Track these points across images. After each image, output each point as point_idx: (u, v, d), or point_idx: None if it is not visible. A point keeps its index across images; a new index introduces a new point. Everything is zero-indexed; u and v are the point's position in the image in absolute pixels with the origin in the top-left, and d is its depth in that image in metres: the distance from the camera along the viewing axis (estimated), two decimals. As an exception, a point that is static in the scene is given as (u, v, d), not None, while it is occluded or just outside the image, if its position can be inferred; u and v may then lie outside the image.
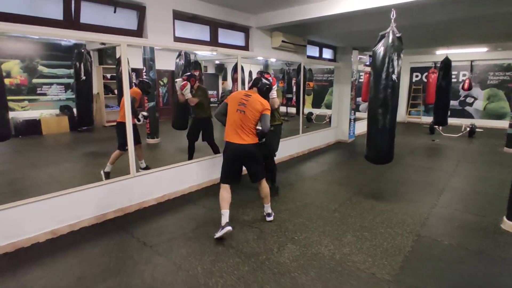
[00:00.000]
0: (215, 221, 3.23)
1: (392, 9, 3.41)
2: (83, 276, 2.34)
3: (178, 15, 3.92)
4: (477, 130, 8.47)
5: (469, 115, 10.32)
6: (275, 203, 3.74)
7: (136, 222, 3.28)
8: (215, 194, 3.97)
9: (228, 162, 3.05)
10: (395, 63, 3.42)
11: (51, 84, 7.86)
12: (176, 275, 2.37)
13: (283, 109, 12.01)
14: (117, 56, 8.11)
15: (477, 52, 9.30)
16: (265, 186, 3.20)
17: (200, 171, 4.27)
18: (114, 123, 8.58)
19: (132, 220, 3.31)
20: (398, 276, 2.36)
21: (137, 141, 4.15)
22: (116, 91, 8.58)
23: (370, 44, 7.09)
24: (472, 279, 2.34)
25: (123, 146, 4.08)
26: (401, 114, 11.36)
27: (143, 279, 2.32)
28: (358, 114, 8.25)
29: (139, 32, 3.55)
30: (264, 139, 3.09)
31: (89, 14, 3.11)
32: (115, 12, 3.26)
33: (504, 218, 3.19)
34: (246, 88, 3.86)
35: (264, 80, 3.16)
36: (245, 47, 4.97)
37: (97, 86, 8.26)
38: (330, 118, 8.77)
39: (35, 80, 7.55)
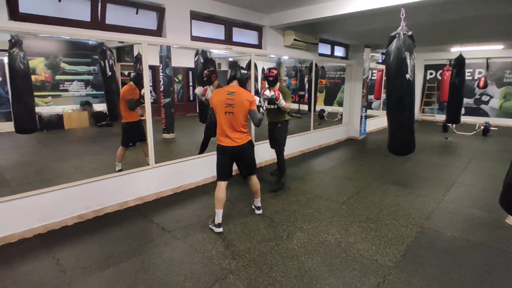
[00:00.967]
0: (228, 210, 3.44)
1: (402, 8, 3.50)
2: (110, 254, 2.59)
3: (195, 15, 4.12)
4: (491, 128, 8.38)
5: (484, 114, 10.17)
6: (285, 195, 3.92)
7: (155, 210, 3.51)
8: (228, 186, 4.19)
9: (222, 162, 3.02)
10: (408, 61, 3.52)
11: (73, 80, 8.24)
12: (193, 256, 2.59)
13: (295, 106, 12.14)
14: (135, 54, 8.45)
15: (493, 50, 9.14)
16: (256, 182, 3.23)
17: (214, 164, 4.47)
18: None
19: (151, 208, 3.55)
20: (399, 263, 2.51)
21: (143, 138, 4.23)
22: (133, 88, 8.92)
23: (382, 41, 7.12)
24: (471, 268, 2.46)
25: (126, 143, 4.41)
26: (415, 112, 11.27)
27: (163, 259, 2.54)
28: (370, 112, 8.30)
29: (158, 31, 3.77)
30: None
31: (114, 15, 3.34)
32: (137, 13, 3.49)
33: (509, 213, 3.26)
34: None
35: (242, 71, 3.02)
36: (258, 45, 5.13)
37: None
38: (341, 115, 8.85)
39: (58, 77, 7.94)
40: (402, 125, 3.88)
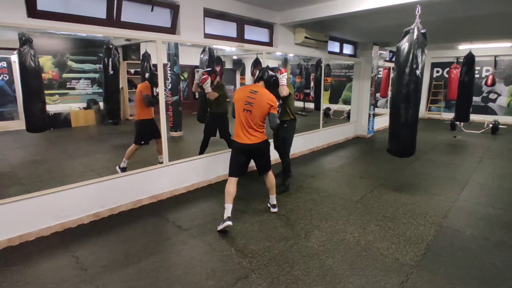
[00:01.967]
0: (243, 209, 3.44)
1: (417, 5, 3.47)
2: (129, 253, 2.58)
3: (208, 13, 4.09)
4: (500, 126, 8.33)
5: (492, 112, 10.11)
6: (299, 194, 3.91)
7: (169, 208, 3.50)
8: (242, 184, 4.17)
9: (237, 158, 3.06)
10: (419, 59, 3.49)
11: (79, 78, 8.23)
12: (212, 254, 2.57)
13: (300, 104, 12.11)
14: (141, 52, 8.43)
15: (501, 47, 9.08)
16: (271, 177, 3.24)
17: (226, 162, 4.46)
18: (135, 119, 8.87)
19: (165, 207, 3.54)
20: (421, 262, 2.49)
21: (158, 135, 4.21)
22: (140, 86, 8.91)
23: (391, 39, 7.13)
24: (493, 267, 2.44)
25: (138, 141, 4.33)
26: (421, 110, 11.22)
27: (182, 257, 2.53)
28: (376, 110, 8.26)
29: (172, 29, 3.75)
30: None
31: (129, 12, 3.32)
32: (152, 10, 3.47)
33: (527, 211, 3.24)
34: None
35: (270, 72, 3.11)
36: (269, 43, 5.11)
37: (121, 81, 8.59)
38: (348, 113, 8.81)
39: (65, 75, 7.93)
40: (406, 124, 3.77)
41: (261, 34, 4.97)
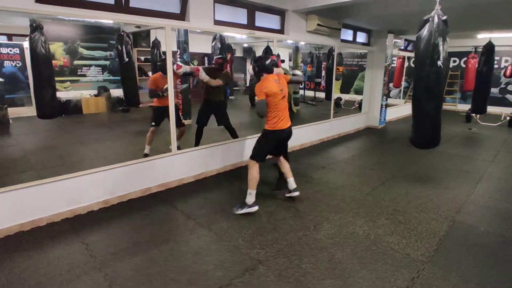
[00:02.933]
0: (252, 198, 3.40)
1: (438, -9, 3.30)
2: (137, 241, 2.59)
3: (218, -1, 3.99)
4: (518, 119, 8.04)
5: (510, 104, 9.76)
6: (309, 185, 3.86)
7: (178, 196, 3.50)
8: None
9: (271, 145, 3.17)
10: (441, 48, 3.34)
11: (90, 65, 8.25)
12: (220, 244, 2.57)
13: (310, 93, 11.93)
14: (151, 39, 8.37)
15: (523, 36, 8.67)
16: (284, 160, 3.39)
17: (234, 151, 4.44)
18: (149, 105, 8.92)
19: (174, 195, 3.54)
20: (432, 258, 2.43)
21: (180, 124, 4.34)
22: (150, 74, 8.89)
23: (407, 27, 6.87)
24: (509, 265, 2.36)
25: (157, 123, 4.46)
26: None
27: (190, 247, 2.53)
28: (389, 100, 8.07)
29: (182, 15, 3.67)
30: None
31: (138, -2, 3.25)
32: (161, -5, 3.39)
33: (546, 208, 3.12)
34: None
35: (270, 58, 3.17)
36: (281, 31, 4.97)
37: (132, 68, 8.58)
38: (359, 103, 8.64)
39: (76, 62, 7.95)
40: (428, 116, 3.71)
41: (272, 21, 4.84)
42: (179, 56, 6.82)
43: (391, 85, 10.47)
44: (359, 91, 11.44)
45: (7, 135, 5.89)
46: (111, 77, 8.55)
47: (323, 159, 4.97)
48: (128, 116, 7.84)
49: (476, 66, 7.06)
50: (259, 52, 11.76)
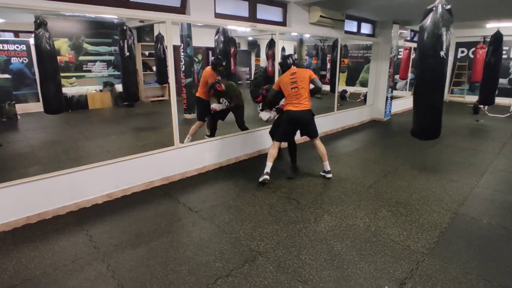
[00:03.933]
0: (253, 192, 3.44)
1: (443, -21, 3.23)
2: (140, 233, 2.64)
3: (219, -9, 3.96)
4: (527, 110, 7.89)
5: (519, 95, 9.56)
6: (311, 177, 3.86)
7: (181, 190, 3.54)
8: (252, 168, 4.18)
9: (287, 126, 3.67)
10: (444, 38, 3.29)
11: (95, 61, 8.31)
12: (221, 236, 2.60)
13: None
14: (155, 34, 8.38)
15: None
16: (320, 145, 3.79)
17: (237, 145, 4.46)
18: (154, 99, 8.95)
19: (177, 188, 3.58)
20: (433, 250, 2.42)
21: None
22: (154, 68, 8.93)
23: (413, 17, 6.74)
24: (511, 257, 2.34)
25: (202, 118, 4.71)
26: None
27: (192, 238, 2.57)
28: (395, 92, 7.97)
29: (182, 9, 3.66)
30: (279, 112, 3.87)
31: (137, -8, 3.25)
32: (160, -11, 3.39)
33: (551, 200, 3.08)
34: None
35: (291, 57, 3.76)
36: (283, 23, 4.93)
37: (136, 63, 8.61)
38: (365, 96, 8.55)
39: (81, 58, 8.02)
40: (430, 107, 3.67)
41: (274, 14, 4.80)
42: (182, 50, 6.81)
43: (397, 77, 10.33)
44: (364, 84, 11.30)
45: (16, 130, 6.01)
46: (116, 72, 8.60)
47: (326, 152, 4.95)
48: (133, 111, 7.91)
49: (484, 56, 6.92)
50: (263, 45, 11.70)
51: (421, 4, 3.50)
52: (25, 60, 7.38)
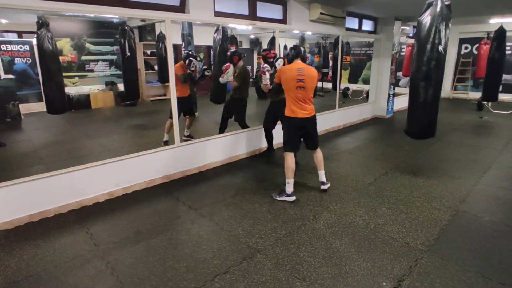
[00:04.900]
0: (253, 190, 3.45)
1: (442, -26, 3.20)
2: (139, 230, 2.66)
3: (218, -11, 3.96)
4: (532, 106, 7.79)
5: (524, 91, 9.45)
6: (310, 175, 3.86)
7: (181, 188, 3.56)
8: (252, 165, 4.19)
9: (294, 133, 3.22)
10: (442, 33, 3.26)
11: (97, 60, 8.36)
12: (220, 234, 2.61)
13: (318, 84, 11.79)
14: (157, 33, 8.40)
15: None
16: (320, 154, 3.39)
17: (238, 143, 4.46)
18: (156, 98, 8.99)
19: (177, 186, 3.60)
20: (432, 247, 2.41)
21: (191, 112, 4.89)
22: (156, 67, 8.95)
23: (414, 13, 6.66)
24: None
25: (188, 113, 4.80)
26: (446, 89, 10.66)
27: (190, 236, 2.58)
28: (397, 90, 7.92)
29: (181, 7, 3.67)
30: None
31: (136, -9, 3.26)
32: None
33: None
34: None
35: (301, 48, 3.25)
36: (283, 20, 4.92)
37: (138, 62, 8.63)
38: (367, 93, 8.51)
39: (83, 57, 8.07)
40: (426, 104, 3.60)
41: (274, 11, 4.79)
42: (183, 49, 6.83)
43: (400, 73, 10.26)
44: (367, 81, 11.22)
45: (19, 130, 6.08)
46: (118, 72, 8.65)
47: (327, 150, 4.94)
48: (135, 110, 7.95)
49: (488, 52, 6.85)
50: (265, 43, 11.67)
51: (420, 1, 3.46)
52: (29, 60, 7.45)
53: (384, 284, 2.03)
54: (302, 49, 3.26)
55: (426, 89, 3.51)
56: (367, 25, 6.81)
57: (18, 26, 7.48)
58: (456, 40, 10.33)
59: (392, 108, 7.66)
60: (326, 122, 6.01)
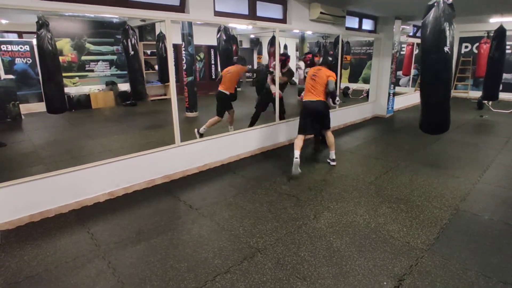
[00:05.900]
0: (254, 189, 3.45)
1: (442, -27, 3.20)
2: (140, 230, 2.66)
3: (218, -11, 3.96)
4: (532, 105, 7.79)
5: (524, 90, 9.44)
6: (311, 174, 3.86)
7: (181, 188, 3.56)
8: (253, 165, 4.20)
9: (305, 118, 4.05)
10: (447, 33, 3.26)
11: (98, 60, 8.36)
12: (220, 234, 2.61)
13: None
14: (157, 33, 8.40)
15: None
16: (330, 136, 4.18)
17: (238, 142, 4.47)
18: (156, 98, 8.98)
19: (177, 186, 3.61)
20: (433, 246, 2.42)
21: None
22: (156, 67, 8.96)
23: (415, 12, 6.68)
24: (512, 253, 2.33)
25: (220, 114, 4.89)
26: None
27: (191, 236, 2.59)
28: (397, 89, 7.92)
29: (181, 7, 3.67)
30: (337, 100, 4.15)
31: (136, -9, 3.26)
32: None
33: (554, 196, 3.05)
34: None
35: (329, 58, 4.27)
36: (283, 20, 4.92)
37: (139, 62, 8.63)
38: (367, 92, 8.50)
39: (83, 57, 8.07)
40: (437, 103, 3.65)
41: (274, 11, 4.79)
42: (184, 49, 6.83)
43: (400, 73, 10.26)
44: (367, 80, 11.22)
45: (20, 130, 6.08)
46: (118, 72, 8.66)
47: (326, 149, 4.93)
48: (135, 110, 7.96)
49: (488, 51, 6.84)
50: (265, 43, 11.67)
51: (421, 0, 3.47)
52: (29, 60, 7.46)
53: (385, 283, 2.03)
54: (329, 58, 4.49)
55: (436, 90, 3.54)
56: (367, 25, 6.81)
57: (18, 26, 7.49)
58: (456, 39, 10.32)
59: (392, 107, 7.66)
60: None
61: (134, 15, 3.42)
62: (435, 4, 3.32)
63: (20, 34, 7.67)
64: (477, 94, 9.48)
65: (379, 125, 6.72)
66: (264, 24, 4.60)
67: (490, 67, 6.53)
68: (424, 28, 3.43)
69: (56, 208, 2.99)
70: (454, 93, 10.76)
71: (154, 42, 8.60)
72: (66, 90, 7.55)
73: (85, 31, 8.01)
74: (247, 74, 12.86)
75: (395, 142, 5.35)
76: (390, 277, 2.08)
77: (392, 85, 7.38)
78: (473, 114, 7.66)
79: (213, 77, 10.74)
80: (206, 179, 3.81)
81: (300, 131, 4.06)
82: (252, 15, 4.45)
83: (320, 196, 3.28)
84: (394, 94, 7.61)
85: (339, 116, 6.38)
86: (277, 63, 4.93)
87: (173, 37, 3.66)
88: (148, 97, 8.53)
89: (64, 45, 7.68)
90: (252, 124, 5.14)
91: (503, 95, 8.58)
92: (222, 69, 5.33)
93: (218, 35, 6.04)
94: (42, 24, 4.31)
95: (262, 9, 4.57)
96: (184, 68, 6.93)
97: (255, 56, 13.96)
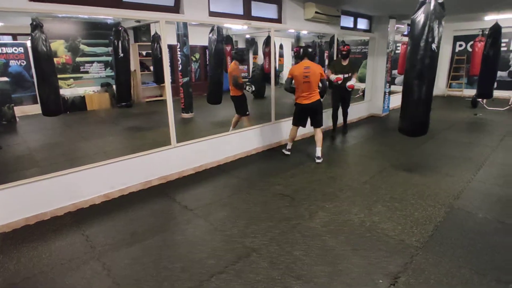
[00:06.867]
0: (248, 190, 3.46)
1: (435, -28, 3.22)
2: (135, 232, 2.66)
3: (212, -11, 3.96)
4: (526, 103, 7.86)
5: (519, 87, 9.51)
6: (306, 174, 3.87)
7: (177, 188, 3.56)
8: (248, 165, 4.21)
9: (299, 115, 4.35)
10: (436, 31, 3.28)
11: (92, 62, 8.32)
12: (214, 234, 2.62)
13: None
14: (152, 34, 8.38)
15: (533, 17, 8.37)
16: (319, 133, 4.33)
17: (234, 143, 4.47)
18: (151, 99, 8.92)
19: (173, 187, 3.60)
20: (427, 244, 2.43)
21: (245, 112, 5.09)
22: (152, 68, 8.93)
23: (409, 11, 6.67)
24: (505, 251, 2.35)
25: (243, 113, 5.06)
26: (441, 87, 10.73)
27: (186, 236, 2.59)
28: (393, 88, 7.95)
29: (176, 8, 3.67)
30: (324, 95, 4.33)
31: (130, -8, 3.26)
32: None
33: (547, 192, 3.08)
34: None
35: (309, 49, 4.09)
36: (278, 20, 4.93)
37: (133, 63, 8.61)
38: (363, 91, 8.53)
39: (78, 59, 8.04)
40: (419, 102, 3.61)
41: (269, 10, 4.80)
42: (179, 49, 6.82)
43: (395, 72, 10.29)
44: (363, 79, 11.28)
45: (15, 133, 6.05)
46: (113, 73, 8.61)
47: (323, 148, 4.95)
48: (131, 111, 7.91)
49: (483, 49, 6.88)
50: (260, 43, 11.66)
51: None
52: (23, 62, 7.41)
53: (380, 281, 2.04)
54: (309, 49, 4.10)
55: (419, 87, 3.52)
56: (362, 24, 6.83)
57: (13, 28, 7.44)
58: (450, 37, 10.39)
59: (388, 106, 7.70)
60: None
61: (128, 16, 3.41)
62: (427, 1, 3.35)
63: (14, 36, 7.62)
64: (471, 92, 9.55)
65: (375, 124, 6.75)
66: (259, 24, 4.61)
67: (484, 65, 6.57)
68: (413, 24, 3.46)
69: (52, 210, 2.99)
70: (448, 92, 10.83)
71: (149, 43, 8.59)
72: (61, 92, 7.51)
73: (80, 33, 7.97)
74: (243, 74, 12.87)
75: (390, 141, 5.38)
76: (385, 275, 2.10)
77: (388, 84, 7.42)
78: (468, 112, 7.71)
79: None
80: (202, 180, 3.81)
81: (295, 123, 4.38)
82: (247, 15, 4.46)
83: (314, 195, 3.29)
84: (390, 93, 7.65)
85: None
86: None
87: (168, 38, 3.65)
88: (134, 101, 8.46)
89: (58, 46, 7.64)
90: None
91: (498, 93, 8.65)
92: (211, 71, 5.53)
93: (210, 35, 6.02)
94: (36, 25, 4.28)
95: (257, 9, 4.58)
96: (180, 69, 6.93)
97: (251, 56, 13.95)
